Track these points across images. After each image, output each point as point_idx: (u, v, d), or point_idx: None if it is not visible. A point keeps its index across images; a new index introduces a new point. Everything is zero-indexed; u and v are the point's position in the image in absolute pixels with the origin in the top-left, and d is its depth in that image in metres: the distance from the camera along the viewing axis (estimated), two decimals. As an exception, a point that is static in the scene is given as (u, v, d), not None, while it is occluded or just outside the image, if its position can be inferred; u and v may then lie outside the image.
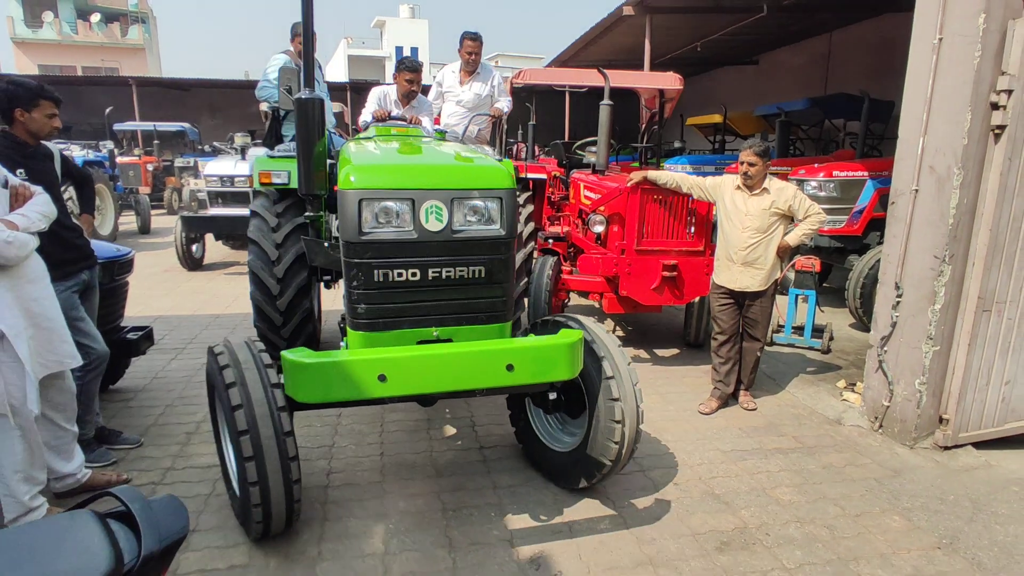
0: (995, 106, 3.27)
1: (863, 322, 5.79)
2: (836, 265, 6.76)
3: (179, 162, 15.29)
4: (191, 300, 7.13)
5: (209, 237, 9.05)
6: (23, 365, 2.47)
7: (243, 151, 8.76)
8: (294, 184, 3.94)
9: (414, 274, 2.46)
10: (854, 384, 4.52)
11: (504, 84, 5.60)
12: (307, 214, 3.20)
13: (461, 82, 5.27)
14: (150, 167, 15.10)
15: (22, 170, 2.88)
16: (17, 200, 2.57)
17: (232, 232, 8.61)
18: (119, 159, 13.66)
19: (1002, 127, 3.26)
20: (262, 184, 4.07)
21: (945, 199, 3.42)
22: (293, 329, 4.13)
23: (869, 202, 5.96)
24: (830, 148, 9.69)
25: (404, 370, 2.28)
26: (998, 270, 3.46)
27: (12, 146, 2.96)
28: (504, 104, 5.30)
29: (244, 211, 8.23)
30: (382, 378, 2.22)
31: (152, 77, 24.82)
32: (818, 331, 5.42)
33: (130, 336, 3.90)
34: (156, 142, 15.95)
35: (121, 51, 35.17)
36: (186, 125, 17.37)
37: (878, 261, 5.62)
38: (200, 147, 16.87)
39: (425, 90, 5.34)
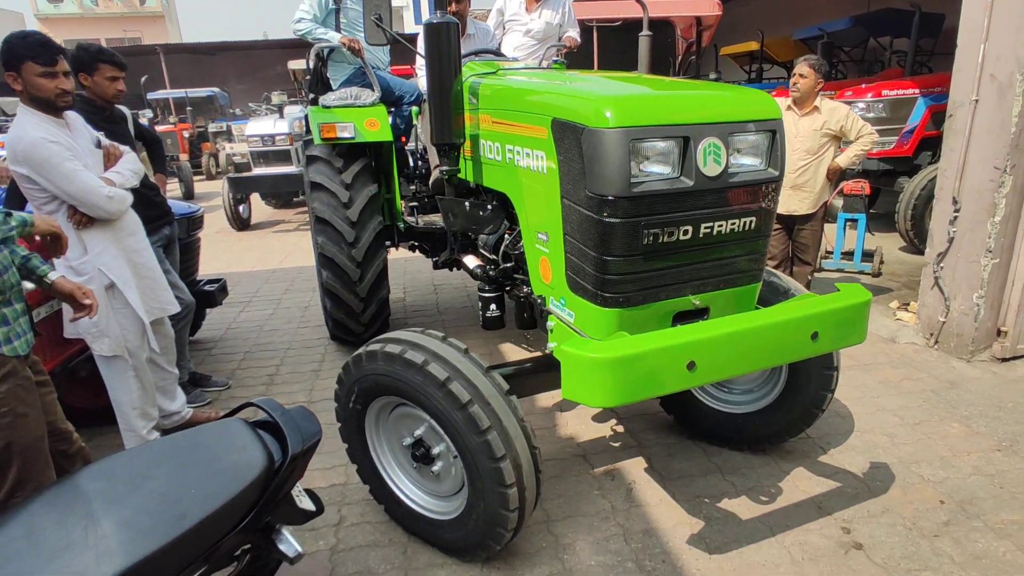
0: (1063, 6, 3.16)
1: (914, 244, 5.73)
2: (885, 189, 6.64)
3: (212, 127, 15.54)
4: (246, 257, 7.43)
5: (254, 197, 9.30)
6: (134, 311, 2.71)
7: (281, 109, 8.88)
8: (366, 137, 3.67)
9: (686, 232, 1.95)
10: (907, 304, 4.54)
11: (574, 10, 5.07)
12: (444, 168, 2.70)
13: (528, 9, 4.59)
14: (186, 134, 15.38)
15: (103, 133, 3.05)
16: (109, 160, 2.76)
17: (277, 190, 8.84)
18: (157, 128, 13.96)
19: (1070, 27, 3.16)
20: (324, 139, 3.66)
21: (1007, 107, 3.35)
22: (372, 314, 3.96)
23: (920, 121, 5.79)
24: (875, 69, 9.30)
25: (714, 354, 1.88)
26: (1062, 178, 3.41)
27: (91, 110, 3.13)
28: (575, 33, 4.68)
29: (287, 169, 8.52)
30: (691, 366, 1.82)
31: (178, 44, 24.86)
32: (868, 255, 5.39)
33: (207, 288, 4.14)
34: (189, 108, 16.18)
35: (141, 20, 35.20)
36: (216, 90, 17.52)
37: (930, 181, 5.54)
38: (231, 111, 17.05)
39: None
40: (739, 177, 1.99)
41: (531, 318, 2.66)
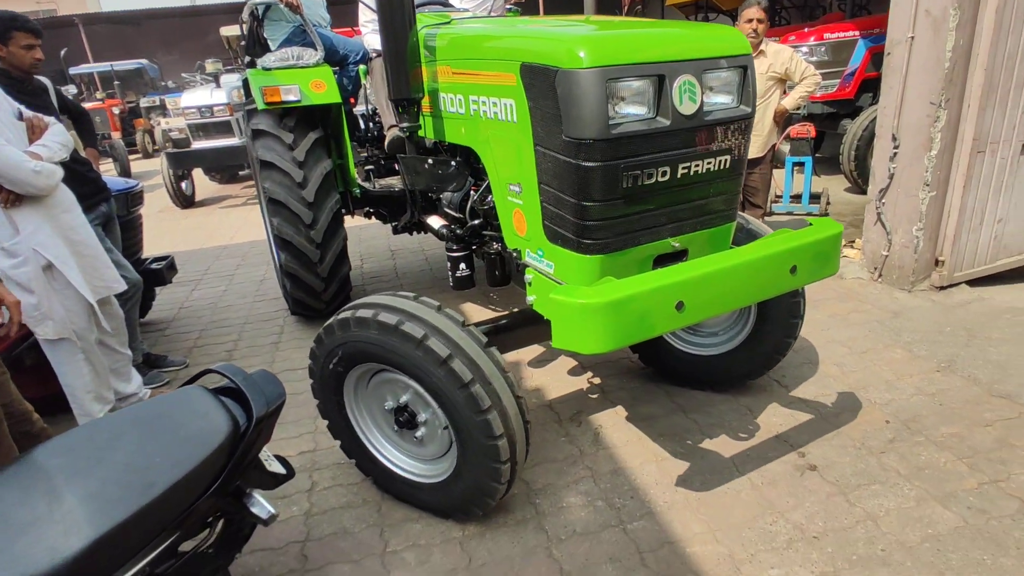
0: (991, -61, 3.24)
1: (858, 184, 5.92)
2: (829, 132, 6.81)
3: (144, 102, 14.74)
4: (193, 236, 7.17)
5: (196, 173, 8.93)
6: (77, 292, 2.59)
7: (217, 79, 8.47)
8: (313, 99, 3.51)
9: (664, 174, 1.91)
10: (853, 241, 4.72)
11: None
12: (404, 125, 2.59)
13: None
14: (116, 110, 14.56)
15: (22, 106, 2.86)
16: (34, 132, 2.59)
17: (220, 165, 8.50)
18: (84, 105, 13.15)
19: (998, -40, 3.25)
20: (268, 104, 3.45)
21: (941, 42, 3.45)
22: (334, 292, 3.88)
23: (861, 63, 5.93)
24: (817, 14, 9.43)
25: (701, 292, 1.88)
26: (992, 110, 3.55)
27: (8, 81, 2.93)
28: None
29: (229, 141, 8.18)
30: (679, 306, 1.81)
31: (99, 13, 23.28)
32: (815, 197, 5.56)
33: (154, 267, 4.00)
34: (117, 83, 15.27)
35: (56, -11, 32.75)
36: (144, 62, 16.58)
37: (872, 122, 5.69)
38: (163, 84, 16.18)
39: None
40: (713, 115, 1.97)
41: (503, 274, 2.63)
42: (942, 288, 3.93)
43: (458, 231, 2.77)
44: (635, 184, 1.89)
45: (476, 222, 2.66)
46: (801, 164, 5.39)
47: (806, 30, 6.34)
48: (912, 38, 3.58)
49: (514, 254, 2.30)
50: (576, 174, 1.84)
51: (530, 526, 2.32)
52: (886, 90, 3.83)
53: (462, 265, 2.78)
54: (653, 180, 1.92)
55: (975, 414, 2.80)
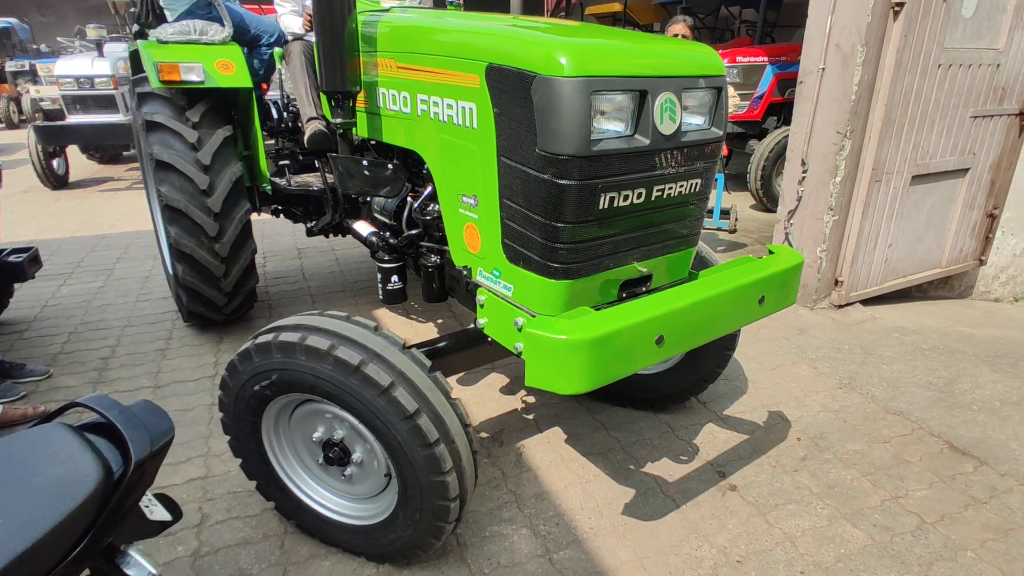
0: (896, -18, 3.45)
1: (763, 203, 6.22)
2: (736, 150, 7.14)
3: (11, 66, 13.10)
4: (66, 222, 6.37)
5: (71, 150, 7.98)
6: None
7: (100, 47, 7.60)
8: (219, 82, 3.10)
9: (640, 195, 1.79)
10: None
11: None
12: (337, 121, 2.32)
13: None
14: (-26, 73, 12.81)
15: None
16: None
17: (99, 143, 7.64)
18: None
19: (901, 4, 3.46)
20: (165, 83, 3.02)
21: (849, 76, 3.64)
22: (238, 305, 3.53)
23: (768, 87, 6.24)
24: (726, 36, 9.91)
25: (680, 326, 1.77)
26: (889, 143, 3.79)
27: None
28: None
29: (111, 117, 7.36)
30: (660, 340, 1.71)
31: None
32: (725, 213, 5.77)
33: (13, 259, 3.45)
34: (-24, 42, 13.44)
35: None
36: (13, 20, 14.70)
37: (777, 144, 6.01)
38: (34, 47, 14.43)
39: None
40: (689, 136, 1.86)
41: (441, 290, 2.43)
42: (840, 307, 4.17)
43: (391, 240, 2.55)
44: (611, 206, 1.75)
45: (414, 232, 2.45)
46: (714, 180, 5.57)
47: (720, 51, 6.60)
48: (823, 69, 3.76)
49: (463, 272, 2.10)
50: (549, 192, 1.67)
51: (451, 559, 2.16)
52: (798, 117, 4.00)
53: (394, 277, 2.57)
54: (628, 202, 1.79)
55: (874, 431, 2.95)
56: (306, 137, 3.05)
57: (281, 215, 3.94)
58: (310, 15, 3.17)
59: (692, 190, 1.95)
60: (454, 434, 1.78)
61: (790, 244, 4.20)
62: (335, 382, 1.74)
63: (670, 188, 1.86)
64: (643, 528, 2.32)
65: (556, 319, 1.65)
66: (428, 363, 1.83)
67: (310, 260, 5.24)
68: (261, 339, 1.86)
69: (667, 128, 1.76)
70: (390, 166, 2.40)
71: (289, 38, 3.39)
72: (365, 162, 2.40)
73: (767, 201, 6.19)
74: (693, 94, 1.82)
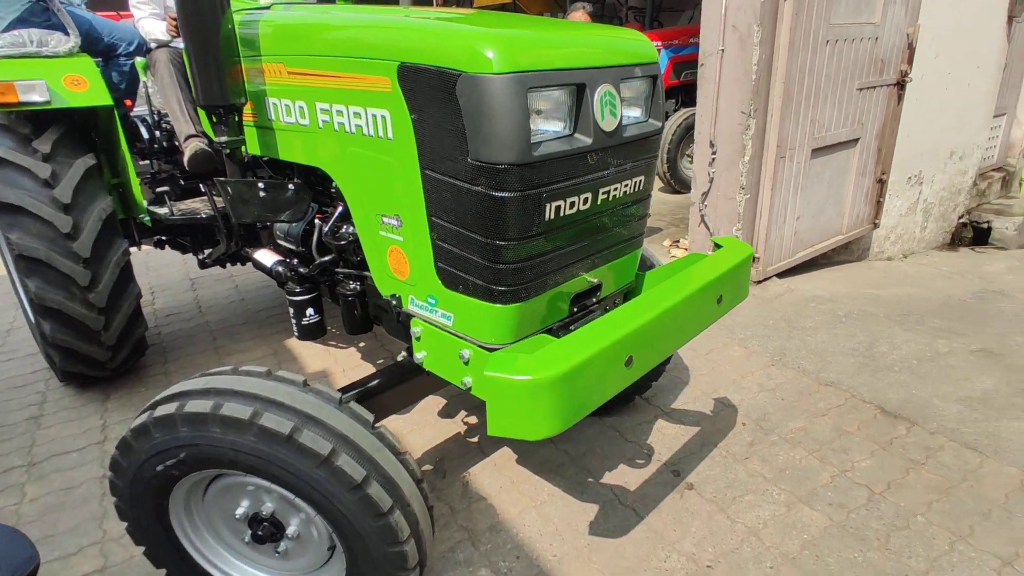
0: (783, -39, 3.50)
1: (671, 185, 6.32)
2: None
3: None
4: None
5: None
6: None
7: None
8: (70, 101, 2.68)
9: (586, 200, 1.61)
10: (678, 241, 4.96)
11: None
12: (223, 140, 1.97)
13: None
14: None
15: None
16: None
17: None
18: None
19: (790, -18, 3.52)
20: (2, 107, 2.60)
21: (748, 56, 3.68)
22: (125, 357, 3.09)
23: (664, 71, 6.32)
24: (614, 24, 10.05)
25: (648, 342, 1.62)
26: (790, 120, 3.88)
27: None
28: None
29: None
30: (629, 362, 1.56)
31: None
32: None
33: None
34: None
35: None
36: None
37: (679, 126, 6.10)
38: None
39: None
40: (630, 131, 1.70)
41: (365, 319, 2.17)
42: (759, 282, 4.26)
43: (302, 269, 2.25)
44: (557, 216, 1.56)
45: (326, 258, 2.16)
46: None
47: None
48: (722, 51, 3.78)
49: (392, 301, 1.85)
50: (486, 207, 1.47)
51: (408, 620, 1.93)
52: (702, 99, 4.02)
53: (310, 311, 2.27)
54: (575, 209, 1.61)
55: (811, 405, 2.99)
56: (186, 158, 2.67)
57: (167, 247, 3.49)
58: (175, 18, 2.78)
59: (636, 188, 1.81)
60: (409, 497, 1.55)
61: (706, 226, 4.24)
62: (262, 455, 1.46)
63: (615, 189, 1.71)
64: (608, 547, 2.19)
65: (515, 356, 1.45)
66: (370, 418, 1.59)
67: (206, 291, 4.74)
68: (162, 411, 1.55)
69: (609, 124, 1.60)
70: (291, 187, 2.11)
71: (152, 45, 2.97)
72: (261, 184, 2.08)
73: (675, 183, 6.30)
74: (630, 85, 1.68)
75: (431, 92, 1.45)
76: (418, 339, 1.77)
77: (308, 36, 1.79)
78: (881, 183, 4.74)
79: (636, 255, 2.04)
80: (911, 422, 2.84)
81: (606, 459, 2.64)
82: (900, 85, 4.47)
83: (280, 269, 2.36)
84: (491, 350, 1.60)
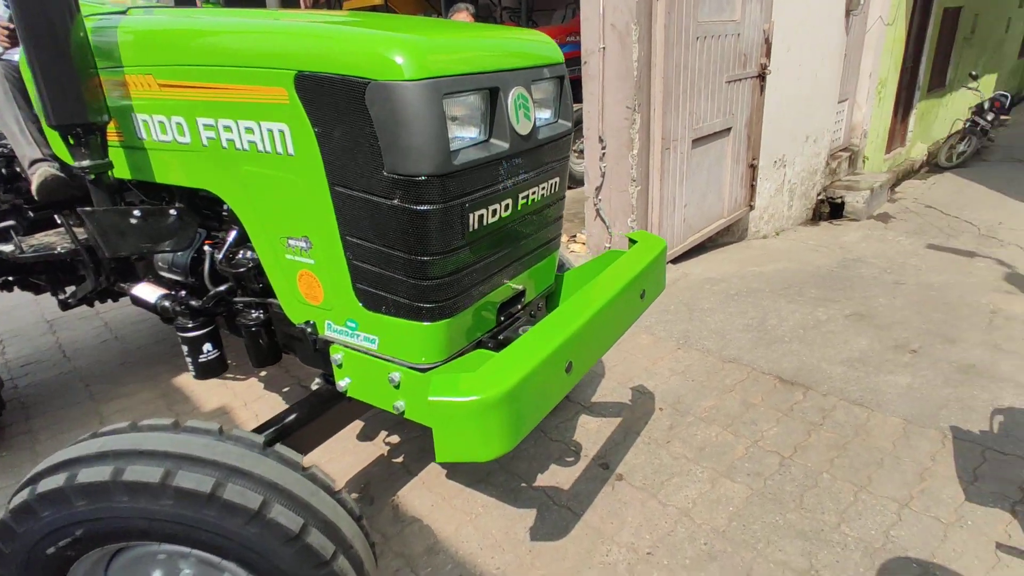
0: (653, -38, 3.66)
1: (561, 182, 6.45)
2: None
3: None
4: None
5: None
6: None
7: None
8: None
9: (507, 207, 1.57)
10: (575, 235, 5.07)
11: None
12: (85, 164, 1.69)
13: None
14: None
15: None
16: None
17: None
18: None
19: (660, -18, 3.69)
20: None
21: (628, 54, 3.81)
22: None
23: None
24: (488, 23, 10.11)
25: (584, 346, 1.60)
26: (671, 113, 4.08)
27: None
28: None
29: None
30: (569, 368, 1.53)
31: None
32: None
33: None
34: None
35: None
36: None
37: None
38: None
39: None
40: (543, 133, 1.67)
41: (273, 350, 1.99)
42: (655, 270, 4.44)
43: (194, 303, 2.02)
44: (480, 225, 1.51)
45: (222, 288, 1.95)
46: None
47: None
48: (603, 48, 3.89)
49: (306, 328, 1.70)
50: (407, 222, 1.39)
51: (352, 666, 1.80)
52: (588, 96, 4.11)
53: (207, 346, 2.04)
54: (497, 217, 1.56)
55: (718, 382, 3.15)
56: (34, 187, 2.33)
57: (15, 288, 3.04)
58: (6, 27, 2.43)
59: (553, 191, 1.80)
60: (351, 538, 1.43)
61: (602, 219, 4.36)
62: (181, 520, 1.28)
63: (534, 192, 1.68)
64: (549, 550, 2.18)
65: (457, 376, 1.38)
66: (300, 459, 1.45)
67: (69, 333, 4.21)
68: (46, 485, 1.32)
69: (524, 127, 1.56)
70: (172, 212, 1.89)
71: None
72: (136, 212, 1.84)
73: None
74: (540, 86, 1.65)
75: (336, 102, 1.34)
76: (339, 366, 1.65)
77: (182, 44, 1.59)
78: (753, 168, 5.12)
79: (555, 257, 2.03)
80: (806, 387, 3.08)
81: (535, 461, 2.63)
82: (761, 77, 4.84)
83: (167, 304, 2.11)
84: (423, 370, 1.52)
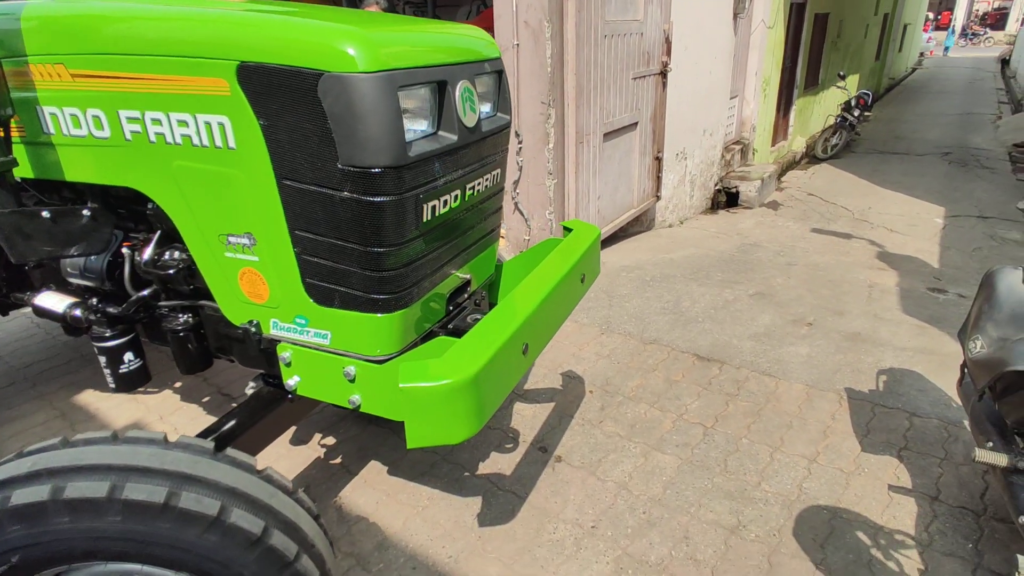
0: (563, -38, 3.78)
1: (476, 177, 6.49)
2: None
3: None
4: None
5: None
6: None
7: None
8: None
9: (456, 198, 1.63)
10: (494, 230, 5.14)
11: None
12: None
13: None
14: None
15: None
16: None
17: None
18: None
19: (570, -19, 3.82)
20: None
21: (541, 50, 3.91)
22: None
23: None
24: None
25: (538, 327, 1.66)
26: (585, 108, 4.23)
27: None
28: None
29: None
30: (525, 350, 1.58)
31: None
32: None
33: None
34: None
35: None
36: None
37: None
38: None
39: None
40: (486, 126, 1.72)
41: (204, 354, 1.90)
42: (574, 260, 4.60)
43: (111, 309, 1.88)
44: (433, 216, 1.54)
45: (146, 292, 1.83)
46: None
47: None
48: (517, 45, 3.97)
49: (249, 328, 1.63)
50: (362, 213, 1.39)
51: (312, 669, 1.77)
52: (504, 92, 4.18)
53: (128, 355, 1.91)
54: (447, 208, 1.59)
55: (642, 362, 3.33)
56: None
57: None
58: None
59: (495, 182, 1.85)
60: (312, 537, 1.41)
61: (520, 212, 4.45)
62: (131, 536, 1.21)
63: (479, 184, 1.73)
64: (499, 534, 2.23)
65: (425, 363, 1.39)
66: (253, 461, 1.40)
67: (-60, 354, 3.75)
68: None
69: (470, 120, 1.60)
70: (85, 213, 1.75)
71: None
72: (46, 214, 1.69)
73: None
74: (481, 80, 1.69)
75: (284, 94, 1.32)
76: (288, 365, 1.61)
77: (100, 31, 1.48)
78: (659, 160, 5.40)
79: (495, 248, 2.08)
80: (721, 362, 3.32)
81: (476, 450, 2.67)
82: (663, 74, 5.12)
83: (78, 313, 1.96)
84: (379, 362, 1.52)
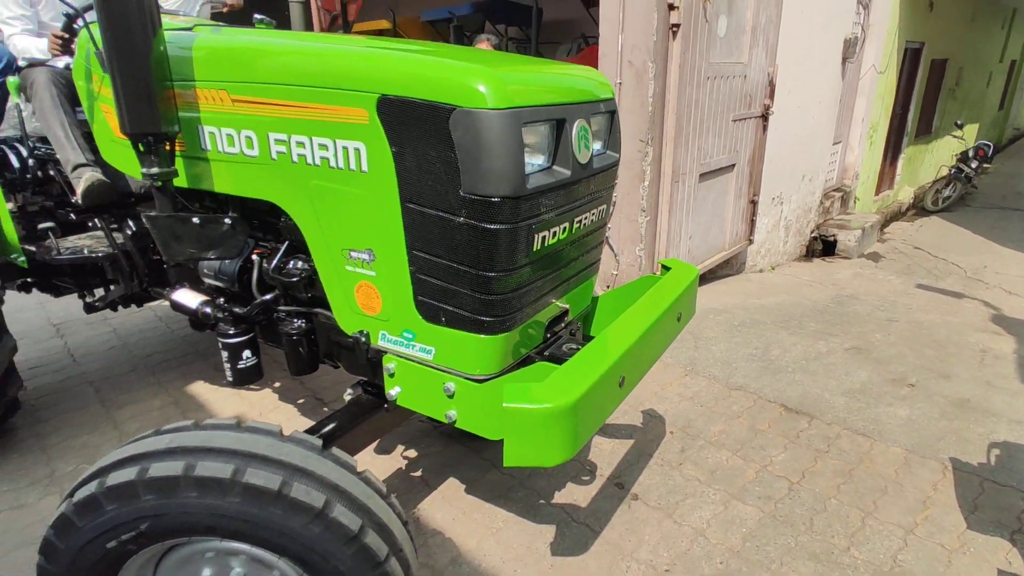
0: (671, 7, 3.85)
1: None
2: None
3: None
4: None
5: None
6: None
7: None
8: None
9: (565, 230, 1.70)
10: (581, 262, 5.19)
11: None
12: (153, 171, 1.76)
13: None
14: None
15: None
16: None
17: None
18: None
19: (677, 25, 3.88)
20: None
21: (643, 89, 3.98)
22: None
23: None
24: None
25: (634, 362, 1.70)
26: (682, 147, 4.24)
27: None
28: None
29: None
30: (622, 382, 1.63)
31: None
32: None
33: None
34: None
35: None
36: None
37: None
38: None
39: None
40: (596, 162, 1.79)
41: (313, 358, 2.06)
42: (660, 298, 4.56)
43: (237, 310, 2.08)
44: (543, 245, 1.62)
45: (268, 296, 2.02)
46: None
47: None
48: (620, 84, 4.06)
49: (359, 338, 1.77)
50: (478, 239, 1.47)
51: (385, 672, 1.83)
52: (602, 128, 4.27)
53: (246, 352, 2.10)
54: (556, 239, 1.67)
55: (726, 408, 3.25)
56: (80, 191, 2.39)
57: (34, 290, 3.07)
58: (59, 36, 2.50)
59: (601, 217, 1.92)
60: (401, 541, 1.49)
61: (610, 247, 4.47)
62: (248, 517, 1.34)
63: (586, 217, 1.79)
64: (571, 565, 2.23)
65: (528, 386, 1.45)
66: (355, 462, 1.51)
67: (76, 337, 4.21)
68: (116, 479, 1.36)
69: (584, 156, 1.68)
70: (227, 221, 1.96)
71: (22, 63, 2.64)
72: (196, 220, 1.92)
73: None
74: (595, 118, 1.77)
75: (418, 125, 1.44)
76: (392, 375, 1.72)
77: (260, 62, 1.69)
78: (754, 203, 5.30)
79: (594, 280, 2.13)
80: (811, 416, 3.18)
81: (552, 479, 2.69)
82: (764, 117, 5.05)
83: (208, 310, 2.17)
84: (479, 381, 1.59)
